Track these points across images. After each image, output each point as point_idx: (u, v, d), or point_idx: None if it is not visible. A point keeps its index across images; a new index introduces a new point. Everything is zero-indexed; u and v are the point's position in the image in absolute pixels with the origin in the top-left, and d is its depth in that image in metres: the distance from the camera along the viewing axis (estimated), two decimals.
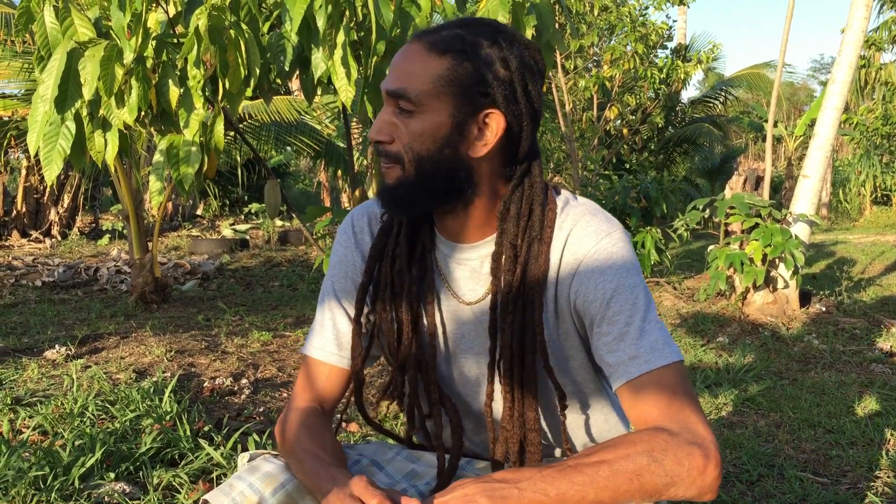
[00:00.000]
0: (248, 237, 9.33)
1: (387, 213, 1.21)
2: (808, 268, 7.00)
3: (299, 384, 1.26)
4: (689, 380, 1.08)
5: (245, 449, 2.44)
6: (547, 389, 1.18)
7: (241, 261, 7.80)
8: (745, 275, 4.77)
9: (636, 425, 1.06)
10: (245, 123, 9.74)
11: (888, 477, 2.41)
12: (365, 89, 3.03)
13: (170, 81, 3.05)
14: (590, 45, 9.28)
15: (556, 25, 4.25)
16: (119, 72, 2.91)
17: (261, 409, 3.03)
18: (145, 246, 5.18)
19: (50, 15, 3.06)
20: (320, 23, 2.79)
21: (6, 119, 8.46)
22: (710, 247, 5.17)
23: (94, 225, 10.56)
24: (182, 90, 3.03)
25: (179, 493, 2.20)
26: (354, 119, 5.20)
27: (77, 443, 2.42)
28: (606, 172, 9.42)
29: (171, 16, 3.17)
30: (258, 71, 2.96)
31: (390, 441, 1.35)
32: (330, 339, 1.24)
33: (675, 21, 10.82)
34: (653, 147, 12.72)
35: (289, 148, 10.59)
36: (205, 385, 3.31)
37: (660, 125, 12.08)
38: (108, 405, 2.89)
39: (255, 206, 11.31)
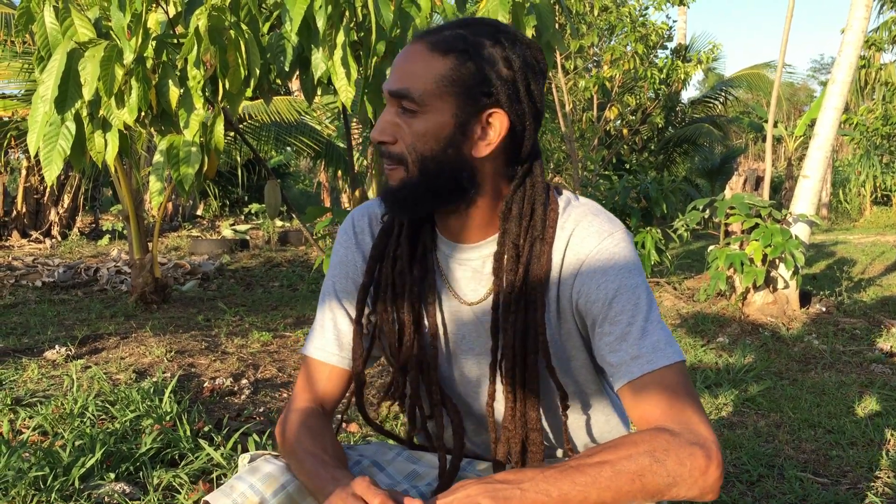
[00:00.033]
0: (248, 237, 9.33)
1: (390, 214, 1.21)
2: (809, 268, 7.00)
3: (299, 385, 1.26)
4: (690, 380, 1.08)
5: (245, 449, 2.44)
6: (548, 390, 1.18)
7: (242, 261, 7.80)
8: (746, 275, 4.77)
9: (638, 425, 1.06)
10: (245, 124, 9.74)
11: (888, 477, 2.41)
12: (365, 90, 3.03)
13: (170, 82, 3.04)
14: (590, 45, 9.28)
15: (556, 26, 4.25)
16: (119, 72, 2.91)
17: (261, 410, 3.03)
18: (145, 246, 5.18)
19: (50, 15, 3.06)
20: (320, 23, 2.79)
21: (6, 119, 8.46)
22: (711, 247, 5.17)
23: (94, 225, 10.56)
24: (182, 90, 3.03)
25: (179, 493, 2.20)
26: (354, 119, 5.20)
27: (77, 443, 2.42)
28: (606, 173, 9.43)
29: (171, 16, 3.17)
30: (258, 71, 2.96)
31: (391, 442, 1.35)
32: (331, 339, 1.24)
33: (675, 21, 10.82)
34: (653, 147, 12.72)
35: (289, 148, 10.58)
36: (205, 385, 3.31)
37: (660, 125, 12.08)
38: (108, 405, 2.89)
39: (255, 207, 11.31)
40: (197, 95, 2.98)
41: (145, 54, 2.96)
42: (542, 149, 9.96)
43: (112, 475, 2.26)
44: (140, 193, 5.92)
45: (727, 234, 5.26)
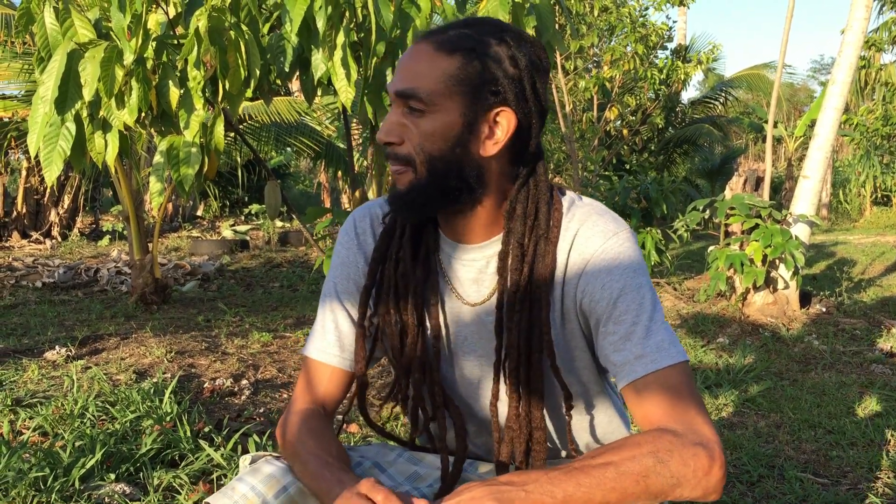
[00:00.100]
0: (248, 238, 9.33)
1: (397, 217, 1.20)
2: (809, 268, 7.00)
3: (300, 386, 1.26)
4: (694, 380, 1.07)
5: (245, 450, 2.44)
6: (552, 390, 1.18)
7: (242, 262, 7.80)
8: (746, 275, 4.77)
9: (641, 425, 1.06)
10: (245, 124, 9.74)
11: (888, 477, 2.41)
12: (365, 90, 3.03)
13: (170, 82, 3.05)
14: (590, 45, 9.28)
15: (556, 26, 4.24)
16: (119, 73, 2.91)
17: (261, 410, 3.02)
18: (145, 247, 5.18)
19: (50, 16, 3.06)
20: (320, 24, 2.79)
21: (6, 120, 8.45)
22: (711, 247, 5.17)
23: (94, 226, 10.55)
24: (182, 91, 3.03)
25: (180, 493, 2.20)
26: (354, 120, 5.20)
27: (77, 444, 2.42)
28: (606, 173, 9.43)
29: (171, 17, 3.17)
30: (258, 72, 2.96)
31: (391, 443, 1.35)
32: (332, 340, 1.23)
33: (675, 22, 10.83)
34: (653, 148, 12.72)
35: (289, 149, 10.59)
36: (205, 386, 3.31)
37: (660, 126, 12.08)
38: (108, 406, 2.89)
39: (255, 207, 11.31)
40: (197, 96, 2.98)
41: (145, 55, 2.97)
42: (543, 149, 9.95)
43: (112, 476, 2.26)
44: (140, 194, 5.92)
45: (727, 234, 5.26)
